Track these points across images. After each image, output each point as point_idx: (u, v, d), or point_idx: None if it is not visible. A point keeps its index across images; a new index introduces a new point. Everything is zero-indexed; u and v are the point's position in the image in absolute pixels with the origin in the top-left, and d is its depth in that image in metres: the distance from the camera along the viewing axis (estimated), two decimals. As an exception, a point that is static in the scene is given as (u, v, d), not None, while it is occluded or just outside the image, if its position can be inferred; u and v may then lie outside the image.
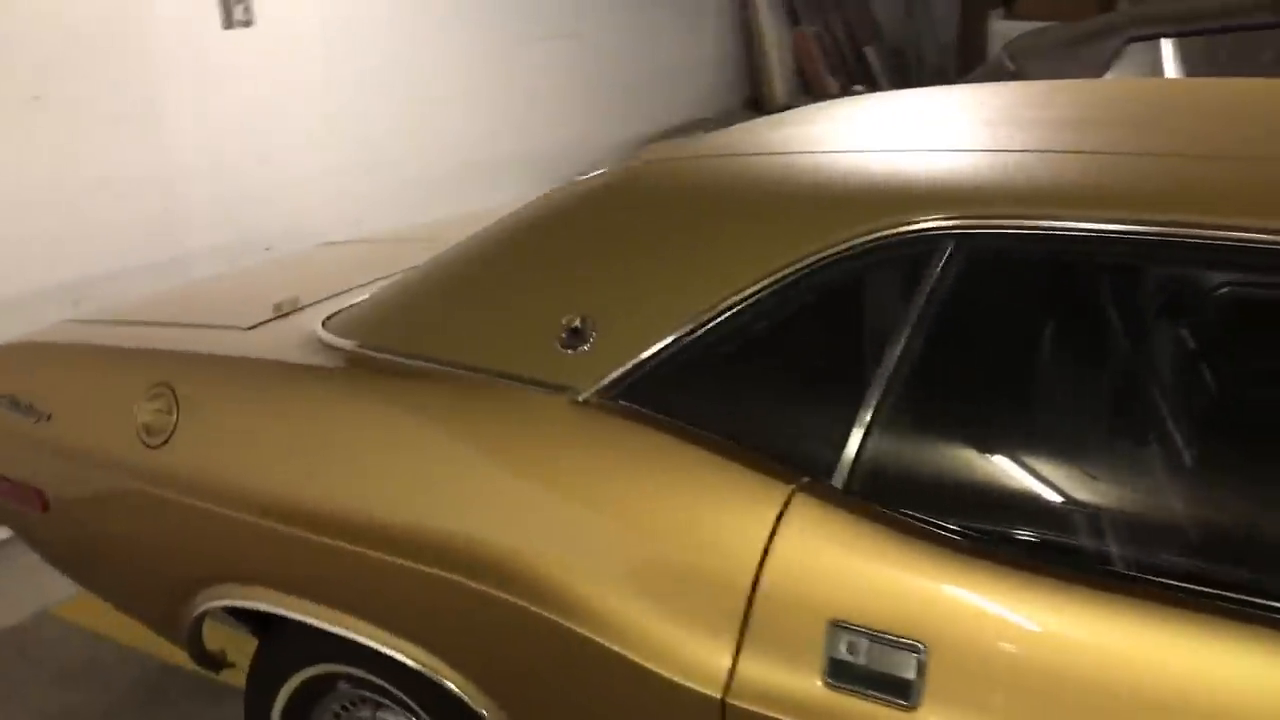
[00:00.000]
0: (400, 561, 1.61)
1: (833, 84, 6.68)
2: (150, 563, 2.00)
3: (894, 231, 1.41)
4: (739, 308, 1.48)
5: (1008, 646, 1.24)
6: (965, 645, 1.25)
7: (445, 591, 1.58)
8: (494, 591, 1.53)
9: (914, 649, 1.26)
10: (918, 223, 1.40)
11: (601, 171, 1.84)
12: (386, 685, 1.77)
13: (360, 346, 1.83)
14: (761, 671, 1.35)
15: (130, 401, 1.94)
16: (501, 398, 1.62)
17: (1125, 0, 6.55)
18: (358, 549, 1.66)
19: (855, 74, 6.86)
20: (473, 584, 1.55)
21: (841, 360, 1.49)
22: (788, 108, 6.02)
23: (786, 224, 1.51)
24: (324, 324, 1.96)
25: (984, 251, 1.38)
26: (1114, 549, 1.30)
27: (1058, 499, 1.37)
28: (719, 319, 1.49)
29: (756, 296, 1.47)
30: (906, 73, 7.36)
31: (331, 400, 1.78)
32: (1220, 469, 1.40)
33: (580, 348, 1.58)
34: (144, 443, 1.90)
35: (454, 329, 1.74)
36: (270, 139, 4.10)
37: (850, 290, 1.48)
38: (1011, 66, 4.52)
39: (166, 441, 1.88)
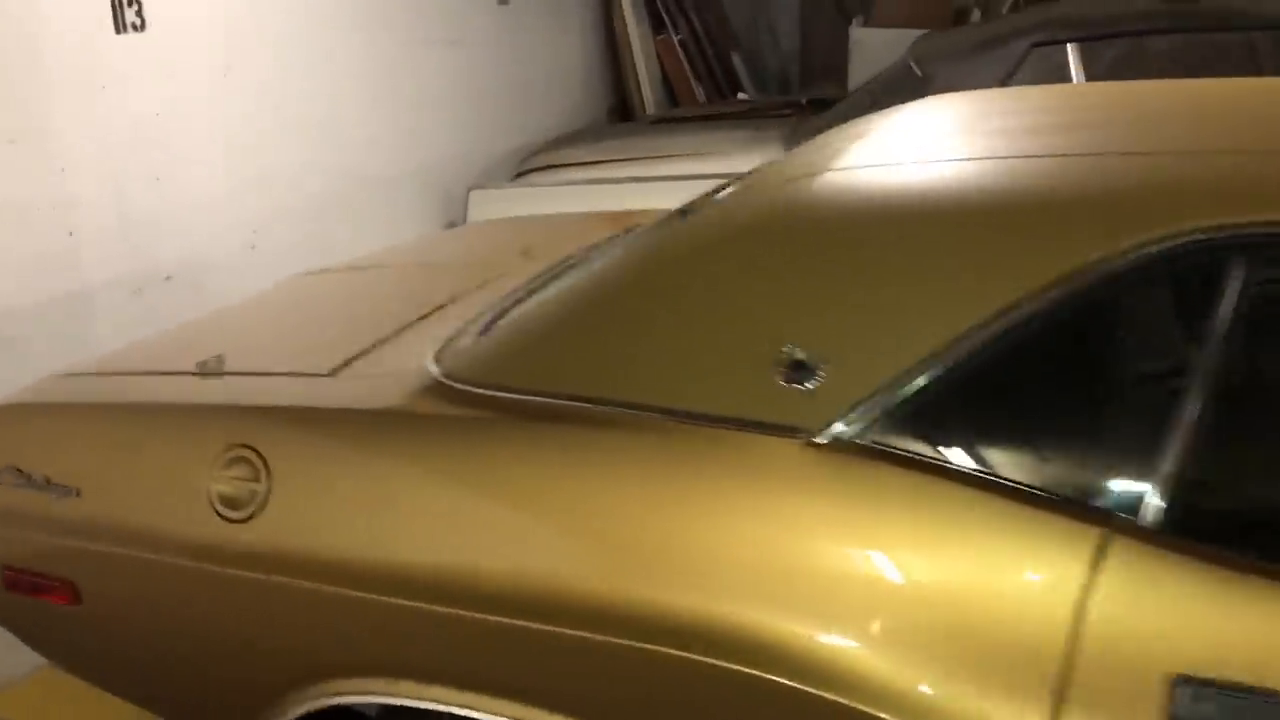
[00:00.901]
0: (600, 639, 1.40)
1: (700, 91, 6.63)
2: (223, 661, 1.71)
3: (1189, 239, 1.30)
4: (1000, 329, 1.35)
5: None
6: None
7: (659, 671, 1.38)
8: (735, 667, 1.34)
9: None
10: (1209, 228, 1.30)
11: (733, 187, 1.66)
12: None
13: (502, 390, 1.60)
14: None
15: (195, 469, 1.65)
16: (718, 443, 1.43)
17: (974, 7, 6.76)
18: (540, 627, 1.44)
19: (722, 81, 6.82)
20: (709, 660, 1.36)
21: (1135, 382, 1.38)
22: (663, 118, 5.96)
23: (1052, 235, 1.38)
24: (437, 365, 1.71)
25: None
26: None
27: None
28: (977, 342, 1.35)
29: (1022, 316, 1.34)
30: (766, 80, 7.39)
31: (491, 455, 1.54)
32: None
33: (806, 383, 1.40)
34: (222, 516, 1.61)
35: (632, 367, 1.54)
36: (167, 154, 3.69)
37: (1141, 304, 1.36)
38: (919, 72, 4.55)
39: (254, 514, 1.59)
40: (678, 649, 1.37)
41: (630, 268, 1.65)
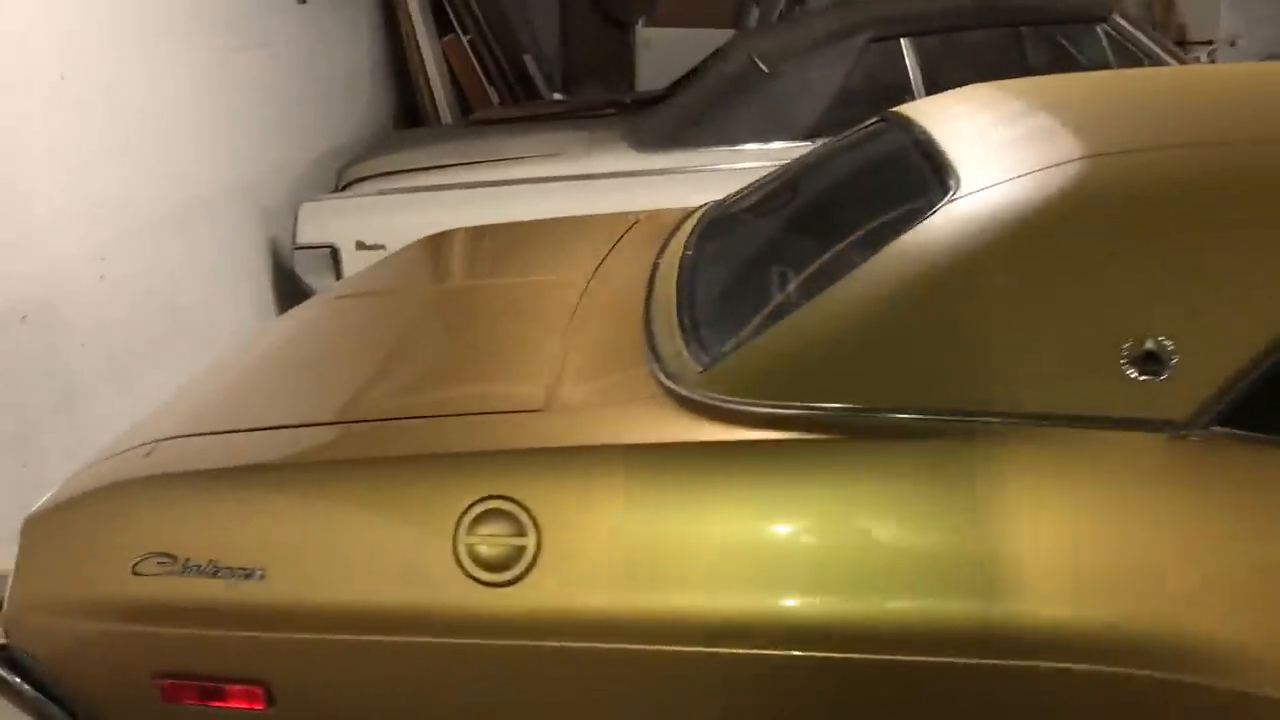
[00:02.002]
0: (981, 663, 1.34)
1: (493, 94, 6.45)
2: None
3: None
4: None
5: None
6: None
7: (1057, 688, 1.33)
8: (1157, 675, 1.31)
9: None
10: None
11: (1024, 179, 1.61)
12: None
13: (803, 405, 1.48)
14: None
15: (435, 531, 1.43)
16: (1080, 443, 1.38)
17: (753, 5, 6.97)
18: (919, 659, 1.35)
19: (514, 83, 6.66)
20: (1134, 671, 1.32)
21: None
22: (483, 119, 5.73)
23: None
24: (700, 384, 1.56)
25: None
26: None
27: None
28: None
29: None
30: (550, 80, 7.30)
31: (834, 477, 1.42)
32: None
33: (1160, 374, 1.39)
34: (480, 581, 1.41)
35: (956, 374, 1.45)
36: (7, 172, 3.18)
37: None
38: (765, 68, 4.63)
39: (524, 574, 1.41)
40: (1055, 661, 1.32)
41: (931, 267, 1.52)
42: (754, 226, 2.26)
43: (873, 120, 2.55)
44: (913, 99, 4.54)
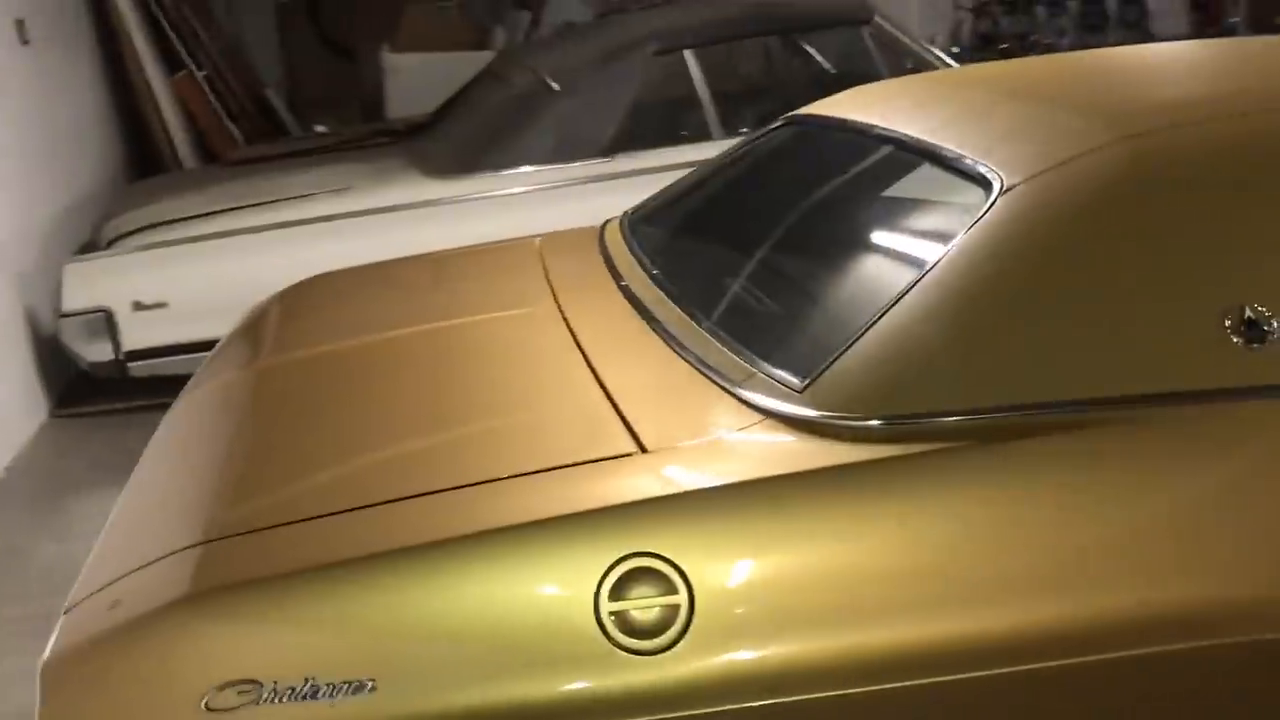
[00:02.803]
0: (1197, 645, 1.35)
1: (236, 131, 6.01)
2: None
3: None
4: None
5: None
6: None
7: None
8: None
9: None
10: None
11: (1084, 157, 1.60)
12: None
13: (925, 415, 1.43)
14: None
15: (572, 601, 1.29)
16: (1223, 420, 1.41)
17: (499, 29, 6.87)
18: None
19: (258, 119, 6.23)
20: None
21: None
22: (244, 159, 5.28)
23: None
24: (807, 403, 1.47)
25: None
26: None
27: None
28: None
29: None
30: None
31: (983, 484, 1.38)
32: None
33: (1264, 340, 1.44)
34: (633, 652, 1.29)
35: (1074, 365, 1.45)
36: None
37: None
38: (555, 85, 4.57)
39: (680, 636, 1.29)
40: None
41: (1017, 260, 1.52)
42: (731, 233, 2.18)
43: (780, 123, 2.53)
44: (701, 108, 4.65)
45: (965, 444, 1.41)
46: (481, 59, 6.20)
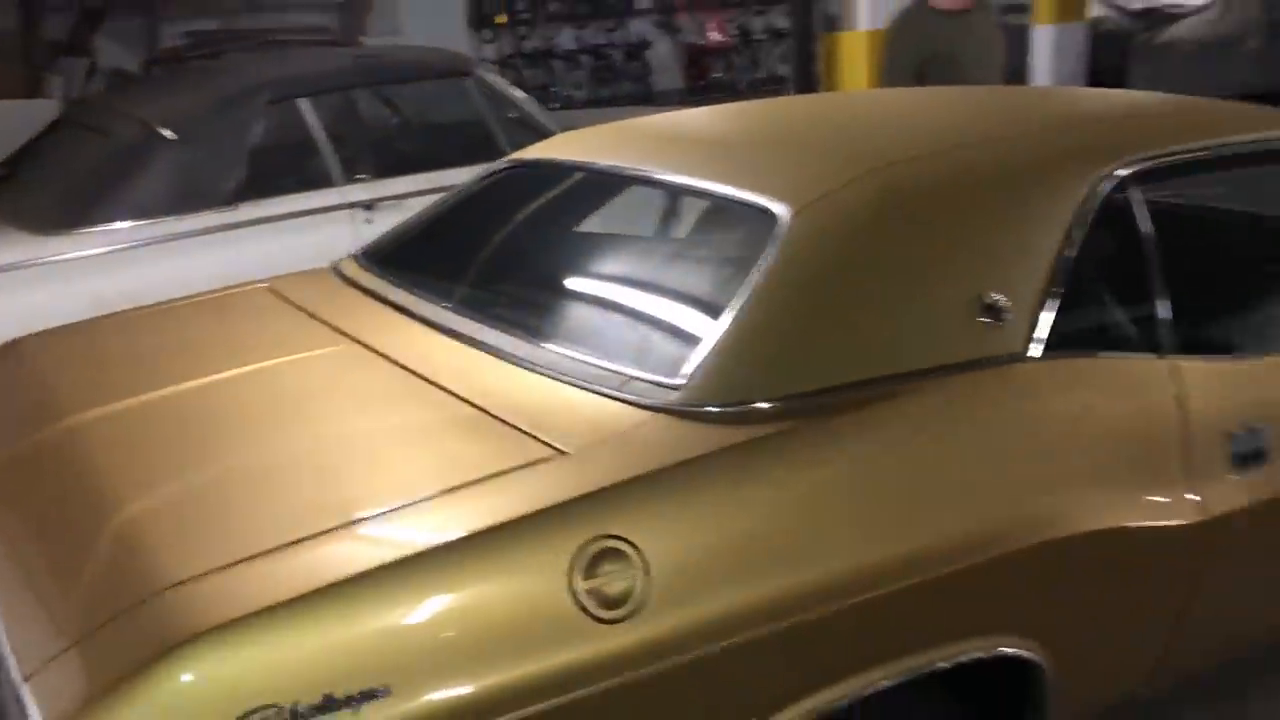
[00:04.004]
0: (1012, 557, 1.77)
1: None
2: None
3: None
4: (1065, 252, 1.99)
5: None
6: None
7: (1036, 565, 1.80)
8: (1056, 536, 1.83)
9: None
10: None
11: (852, 186, 1.99)
12: None
13: (776, 400, 1.75)
14: None
15: (551, 586, 1.49)
16: (982, 383, 1.85)
17: (54, 76, 6.34)
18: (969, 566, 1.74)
19: None
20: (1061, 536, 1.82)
21: None
22: None
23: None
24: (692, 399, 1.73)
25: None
26: None
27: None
28: (1075, 261, 1.98)
29: (1071, 240, 2.01)
30: None
31: (849, 450, 1.71)
32: None
33: (1001, 319, 1.91)
34: (602, 620, 1.51)
35: (859, 349, 1.82)
36: None
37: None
38: (170, 134, 4.43)
39: (642, 604, 1.53)
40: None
41: (821, 270, 1.87)
42: (531, 264, 2.34)
43: (507, 165, 2.75)
44: (321, 155, 4.70)
45: (815, 418, 1.73)
46: (38, 107, 5.76)
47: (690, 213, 2.24)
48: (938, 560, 1.71)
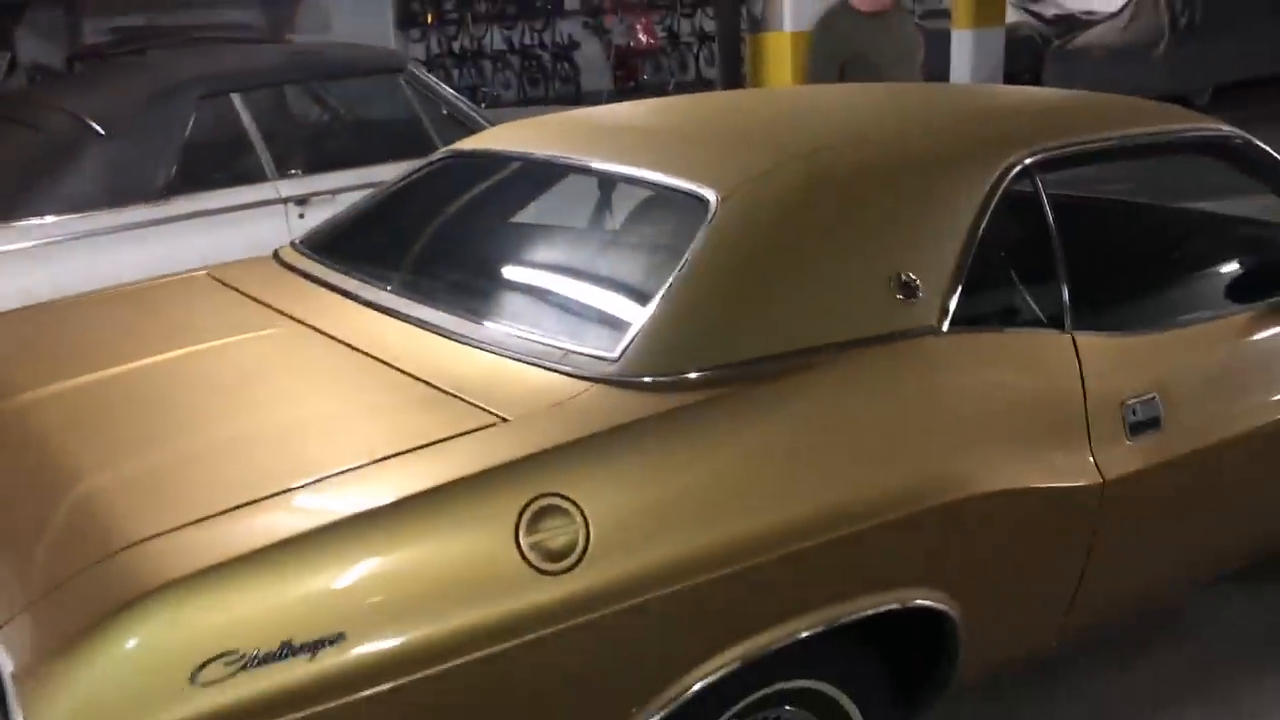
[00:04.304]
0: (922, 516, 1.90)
1: None
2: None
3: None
4: (974, 233, 2.13)
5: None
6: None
7: (947, 522, 1.94)
8: (965, 495, 1.97)
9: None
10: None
11: (768, 176, 2.12)
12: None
13: (706, 370, 1.86)
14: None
15: (495, 539, 1.59)
16: (898, 354, 1.98)
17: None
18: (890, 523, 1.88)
19: None
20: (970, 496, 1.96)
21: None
22: None
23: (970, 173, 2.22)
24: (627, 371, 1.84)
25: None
26: None
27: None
28: (984, 242, 2.12)
29: (981, 221, 2.15)
30: None
31: (765, 418, 1.83)
32: None
33: (916, 296, 2.04)
34: (546, 573, 1.61)
35: (784, 323, 1.95)
36: None
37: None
38: (100, 129, 4.44)
39: (582, 556, 1.64)
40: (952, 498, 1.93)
41: (750, 250, 2.00)
42: (468, 249, 2.43)
43: (443, 155, 2.83)
44: (254, 150, 4.72)
45: (742, 386, 1.85)
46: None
47: (624, 199, 2.35)
48: (855, 516, 1.83)
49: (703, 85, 15.67)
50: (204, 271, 2.75)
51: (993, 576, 2.06)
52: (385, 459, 1.65)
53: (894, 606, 1.91)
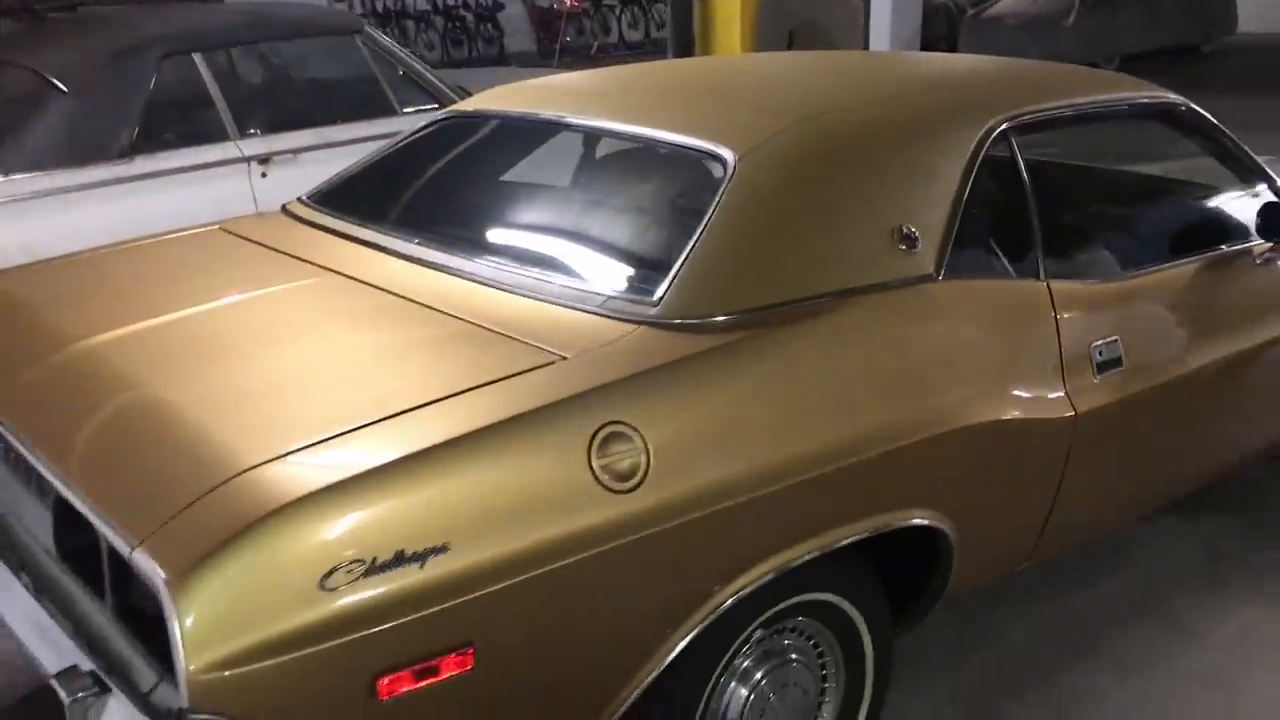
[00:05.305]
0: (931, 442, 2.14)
1: None
2: (651, 611, 1.88)
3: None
4: (964, 189, 2.35)
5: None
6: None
7: (944, 450, 2.17)
8: (959, 426, 2.19)
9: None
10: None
11: (777, 141, 2.30)
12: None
13: (733, 314, 2.05)
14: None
15: (572, 463, 1.77)
16: (902, 299, 2.19)
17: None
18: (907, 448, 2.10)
19: None
20: (962, 426, 2.19)
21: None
22: None
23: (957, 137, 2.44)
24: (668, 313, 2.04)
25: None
26: None
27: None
28: (970, 199, 2.34)
29: (971, 178, 2.37)
30: None
31: (796, 355, 2.04)
32: None
33: (915, 247, 2.26)
34: (616, 491, 1.80)
35: (800, 272, 2.15)
36: None
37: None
38: (64, 86, 4.46)
39: (644, 477, 1.83)
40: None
41: (768, 205, 2.19)
42: (495, 203, 2.57)
43: (445, 116, 2.96)
44: (216, 109, 4.77)
45: (767, 329, 2.04)
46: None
47: (645, 158, 2.52)
48: (868, 444, 2.04)
49: (626, 47, 15.78)
50: (216, 226, 2.85)
51: (982, 499, 2.29)
52: (464, 392, 1.80)
53: (901, 524, 2.13)
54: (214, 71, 4.78)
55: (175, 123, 4.77)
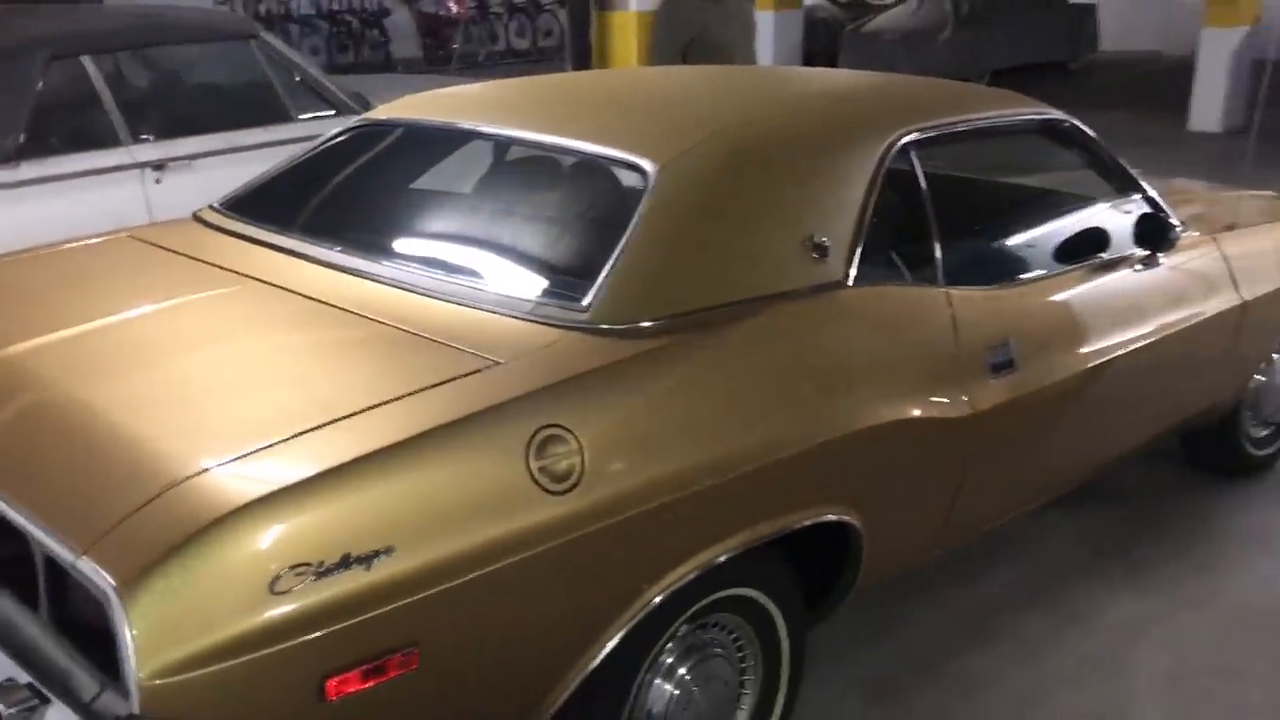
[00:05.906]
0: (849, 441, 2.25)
1: None
2: (583, 611, 1.94)
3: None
4: (870, 200, 2.47)
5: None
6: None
7: (854, 448, 2.28)
8: (867, 425, 2.31)
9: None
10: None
11: (693, 155, 2.38)
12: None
13: (657, 320, 2.13)
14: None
15: (510, 465, 1.83)
16: (815, 306, 2.30)
17: None
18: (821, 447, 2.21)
19: None
20: (870, 426, 2.30)
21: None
22: None
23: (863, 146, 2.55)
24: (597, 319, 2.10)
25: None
26: None
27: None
28: (875, 209, 2.46)
29: (876, 189, 2.49)
30: None
31: (716, 360, 2.13)
32: None
33: (826, 256, 2.37)
34: (552, 493, 1.86)
35: (719, 279, 2.25)
36: None
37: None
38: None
39: (580, 479, 1.89)
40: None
41: (685, 214, 2.27)
42: (416, 210, 2.58)
43: (358, 124, 2.98)
44: (107, 114, 4.66)
45: (690, 334, 2.12)
46: None
47: (565, 168, 2.59)
48: (785, 444, 2.14)
49: (513, 55, 15.79)
50: (125, 234, 2.82)
51: (889, 494, 2.42)
52: (404, 396, 1.84)
53: (815, 520, 2.23)
54: (105, 75, 4.68)
55: (64, 127, 4.65)
